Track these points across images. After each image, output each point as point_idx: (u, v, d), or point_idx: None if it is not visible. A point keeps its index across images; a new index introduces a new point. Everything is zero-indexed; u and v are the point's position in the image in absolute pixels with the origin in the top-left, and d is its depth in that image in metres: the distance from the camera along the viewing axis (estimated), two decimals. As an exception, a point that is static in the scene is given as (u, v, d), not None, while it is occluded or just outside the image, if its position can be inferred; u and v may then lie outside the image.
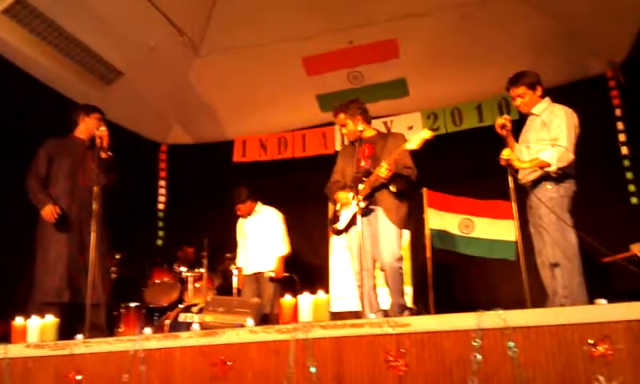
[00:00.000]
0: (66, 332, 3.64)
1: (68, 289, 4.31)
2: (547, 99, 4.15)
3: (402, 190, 4.26)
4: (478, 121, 6.44)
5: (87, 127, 4.70)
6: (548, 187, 3.92)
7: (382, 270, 4.31)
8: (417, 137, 4.06)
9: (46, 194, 4.43)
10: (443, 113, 6.61)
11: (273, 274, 5.60)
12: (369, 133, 4.52)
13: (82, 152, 4.62)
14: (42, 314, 3.72)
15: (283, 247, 5.74)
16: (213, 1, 6.26)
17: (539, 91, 4.15)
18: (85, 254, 4.26)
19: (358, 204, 4.09)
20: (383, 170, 4.11)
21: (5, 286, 4.93)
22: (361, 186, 4.22)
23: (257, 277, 5.73)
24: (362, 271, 4.10)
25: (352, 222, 4.28)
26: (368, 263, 4.26)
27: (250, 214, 5.90)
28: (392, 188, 4.21)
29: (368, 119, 4.56)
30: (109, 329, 4.45)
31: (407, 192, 4.34)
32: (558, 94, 4.26)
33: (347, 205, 4.36)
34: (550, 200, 3.88)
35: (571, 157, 3.86)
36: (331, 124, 7.04)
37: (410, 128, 6.51)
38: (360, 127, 4.39)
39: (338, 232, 4.50)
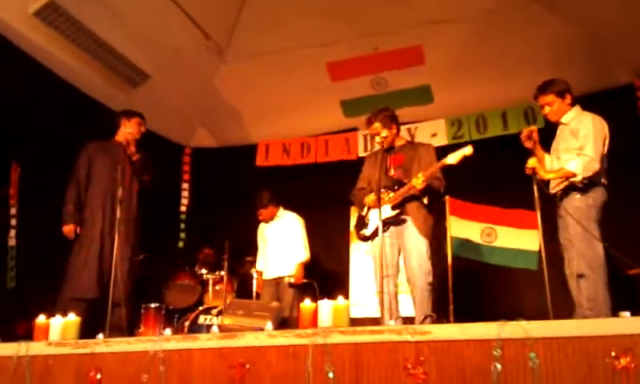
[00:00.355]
0: (89, 329, 3.68)
1: (97, 286, 4.43)
2: (577, 107, 4.09)
3: (433, 202, 4.30)
4: (503, 129, 6.37)
5: (126, 130, 4.86)
6: (576, 197, 3.88)
7: (409, 281, 4.29)
8: (458, 153, 4.09)
9: (73, 213, 4.60)
10: (467, 120, 6.55)
11: (292, 280, 5.60)
12: (399, 141, 4.54)
13: (122, 154, 4.74)
14: (69, 309, 3.78)
15: (303, 253, 5.73)
16: (240, 6, 6.31)
17: (568, 99, 4.08)
18: (111, 253, 4.34)
19: (380, 211, 4.10)
20: (419, 182, 4.10)
21: (30, 286, 5.02)
22: (392, 195, 4.24)
23: (277, 281, 5.72)
24: (382, 278, 4.08)
25: (378, 229, 4.24)
26: (391, 269, 4.24)
27: (272, 218, 5.91)
28: (425, 200, 4.23)
29: (399, 127, 4.57)
30: (129, 329, 4.50)
31: (434, 203, 4.36)
32: (583, 104, 4.20)
33: (373, 205, 4.33)
34: (577, 210, 3.84)
35: (597, 166, 3.80)
36: (354, 130, 7.05)
37: (434, 135, 6.48)
38: (388, 134, 4.38)
39: (365, 238, 4.49)
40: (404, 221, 4.28)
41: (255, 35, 6.47)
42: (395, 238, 4.31)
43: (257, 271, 5.93)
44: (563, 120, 4.09)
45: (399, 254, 4.35)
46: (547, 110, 4.13)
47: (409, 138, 6.21)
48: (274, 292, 5.69)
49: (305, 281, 5.62)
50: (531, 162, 3.90)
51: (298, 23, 6.27)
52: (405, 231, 4.27)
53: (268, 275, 5.80)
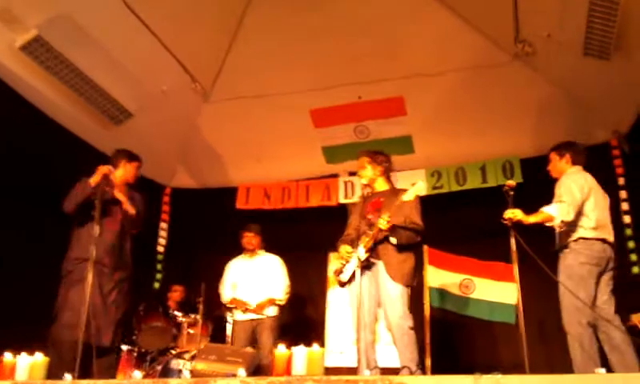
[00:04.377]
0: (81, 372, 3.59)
1: (83, 328, 4.23)
2: (576, 168, 4.27)
3: (405, 244, 4.21)
4: (482, 182, 6.45)
5: (125, 173, 4.73)
6: (568, 255, 4.01)
7: (389, 329, 4.21)
8: (412, 190, 4.19)
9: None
10: (447, 171, 6.63)
11: (253, 307, 5.52)
12: (382, 187, 4.53)
13: (114, 197, 4.59)
14: (56, 350, 3.76)
15: (281, 295, 5.66)
16: (227, 50, 6.38)
17: (566, 159, 4.31)
18: (102, 295, 4.30)
19: (351, 258, 4.11)
20: (383, 222, 4.08)
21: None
22: (365, 239, 4.20)
23: (252, 324, 5.60)
24: (359, 325, 4.02)
25: (354, 275, 4.18)
26: (367, 318, 4.17)
27: (253, 248, 5.85)
28: (392, 240, 4.16)
29: (387, 175, 4.58)
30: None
31: (412, 247, 4.30)
32: (561, 160, 4.30)
33: (346, 259, 4.31)
34: (568, 268, 3.97)
35: (572, 213, 3.94)
36: (335, 176, 7.08)
37: (414, 185, 6.52)
38: (371, 174, 4.46)
39: (342, 284, 4.45)
40: (374, 264, 4.22)
41: (240, 79, 6.54)
42: (372, 285, 4.24)
43: (235, 302, 5.73)
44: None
45: (377, 303, 4.28)
46: (550, 166, 4.40)
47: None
48: (250, 335, 5.58)
49: (262, 315, 5.54)
50: (508, 213, 3.94)
51: (283, 69, 6.35)
52: (379, 277, 4.22)
53: (243, 316, 5.68)
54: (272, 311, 5.60)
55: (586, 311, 3.83)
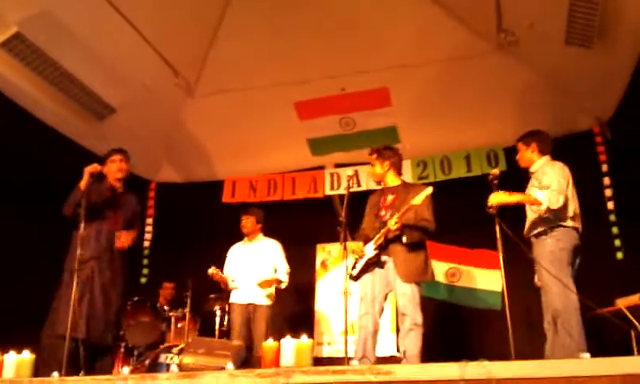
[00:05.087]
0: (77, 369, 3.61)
1: (84, 326, 4.25)
2: (545, 158, 4.28)
3: (417, 242, 4.31)
4: (467, 170, 6.50)
5: (109, 170, 4.72)
6: (547, 241, 4.03)
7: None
8: (421, 195, 4.21)
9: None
10: (432, 161, 6.67)
11: (260, 282, 5.51)
12: (393, 182, 4.58)
13: (110, 196, 4.65)
14: (53, 347, 3.80)
15: (285, 277, 5.66)
16: (209, 44, 6.35)
17: (533, 148, 4.30)
18: (104, 295, 4.38)
19: (363, 254, 4.20)
20: (393, 223, 4.18)
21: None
22: (377, 236, 4.31)
23: (248, 309, 5.55)
24: (347, 318, 4.05)
25: (365, 269, 4.37)
26: (371, 308, 4.29)
27: (251, 233, 5.82)
28: (403, 239, 4.25)
29: (397, 170, 4.64)
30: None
31: (423, 242, 4.40)
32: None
33: (359, 255, 4.40)
34: (550, 254, 3.98)
35: (561, 200, 3.95)
36: (321, 168, 7.09)
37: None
38: (381, 170, 4.54)
39: (353, 278, 4.48)
40: (385, 263, 4.33)
41: (224, 72, 6.50)
42: (382, 279, 4.34)
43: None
44: (531, 169, 4.30)
45: (385, 296, 4.38)
46: (518, 156, 4.40)
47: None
48: (246, 319, 5.54)
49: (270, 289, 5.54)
50: (492, 199, 3.94)
51: (267, 62, 6.32)
52: (390, 274, 4.32)
53: (241, 300, 5.62)
54: (267, 299, 5.57)
55: (572, 296, 3.87)
